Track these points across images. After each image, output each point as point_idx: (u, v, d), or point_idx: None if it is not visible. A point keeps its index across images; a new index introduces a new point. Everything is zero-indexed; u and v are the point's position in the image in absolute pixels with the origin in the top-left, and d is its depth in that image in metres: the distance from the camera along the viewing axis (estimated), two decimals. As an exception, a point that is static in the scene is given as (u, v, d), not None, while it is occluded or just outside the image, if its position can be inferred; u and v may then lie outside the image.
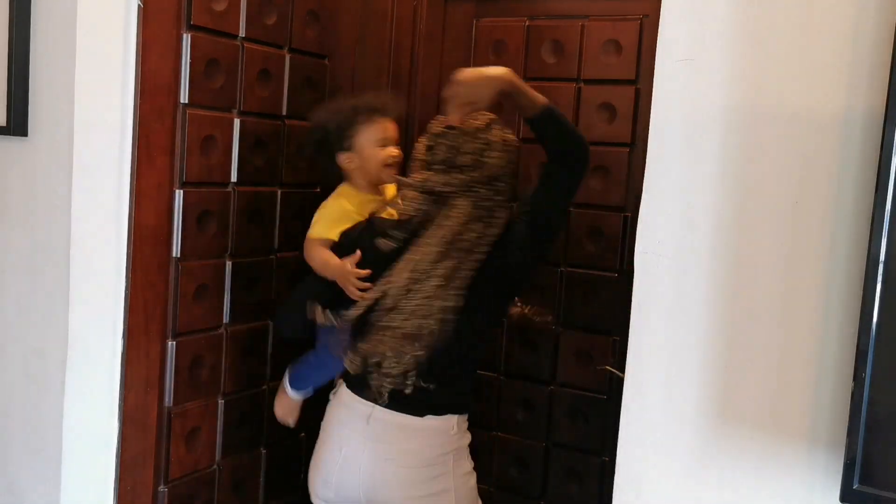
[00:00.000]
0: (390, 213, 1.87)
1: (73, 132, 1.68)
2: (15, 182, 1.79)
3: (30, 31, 1.71)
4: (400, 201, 1.83)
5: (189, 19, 1.85)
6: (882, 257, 1.04)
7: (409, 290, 1.71)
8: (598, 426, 2.25)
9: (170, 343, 1.93)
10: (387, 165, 1.99)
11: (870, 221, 1.05)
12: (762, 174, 1.22)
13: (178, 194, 1.89)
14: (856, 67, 1.14)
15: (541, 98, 1.68)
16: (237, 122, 2.01)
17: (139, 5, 1.73)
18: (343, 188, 2.03)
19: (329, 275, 1.87)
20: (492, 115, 1.80)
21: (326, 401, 1.92)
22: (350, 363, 1.79)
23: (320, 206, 2.01)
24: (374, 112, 1.99)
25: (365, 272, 1.79)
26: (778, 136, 1.20)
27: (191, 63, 1.86)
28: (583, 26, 2.20)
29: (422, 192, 1.77)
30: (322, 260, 1.90)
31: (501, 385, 2.39)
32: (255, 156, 2.08)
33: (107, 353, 1.80)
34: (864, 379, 1.05)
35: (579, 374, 2.27)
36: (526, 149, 2.29)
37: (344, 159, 1.99)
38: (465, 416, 1.84)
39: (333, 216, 1.97)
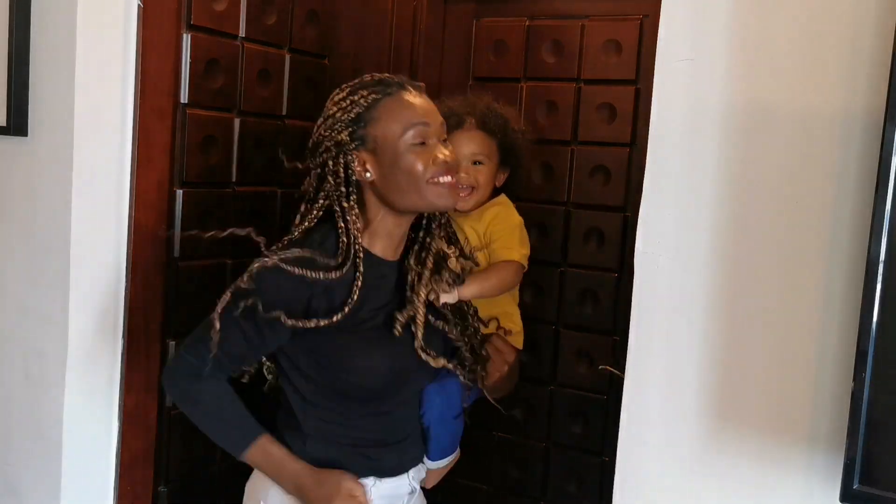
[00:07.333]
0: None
1: (73, 132, 1.68)
2: (15, 182, 1.79)
3: (30, 31, 1.71)
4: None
5: (189, 19, 1.85)
6: (882, 257, 1.03)
7: None
8: (598, 426, 2.25)
9: (170, 343, 1.93)
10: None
11: (870, 221, 1.05)
12: (762, 174, 1.22)
13: (178, 194, 1.89)
14: (856, 67, 1.14)
15: None
16: (237, 122, 2.01)
17: (139, 5, 1.72)
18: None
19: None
20: None
21: None
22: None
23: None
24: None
25: None
26: (778, 136, 1.20)
27: (191, 63, 1.86)
28: (583, 26, 2.20)
29: None
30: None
31: (501, 385, 2.38)
32: (255, 156, 2.08)
33: (107, 354, 1.80)
34: (864, 379, 1.05)
35: (579, 374, 2.27)
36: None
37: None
38: None
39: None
